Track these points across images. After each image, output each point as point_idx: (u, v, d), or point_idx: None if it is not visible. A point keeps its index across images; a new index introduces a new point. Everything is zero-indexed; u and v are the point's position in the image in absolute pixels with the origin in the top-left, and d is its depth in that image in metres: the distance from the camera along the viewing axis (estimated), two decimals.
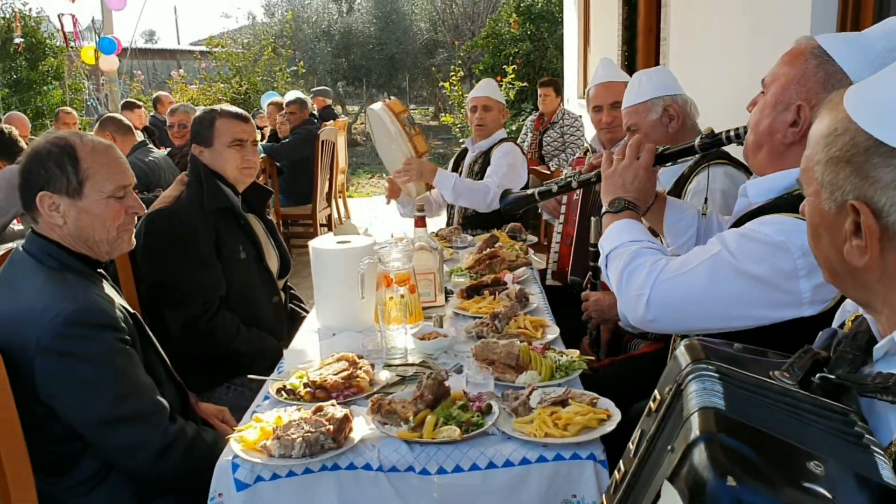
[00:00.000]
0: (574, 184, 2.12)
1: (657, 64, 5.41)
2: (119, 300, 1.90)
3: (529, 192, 2.23)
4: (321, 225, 7.24)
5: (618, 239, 1.76)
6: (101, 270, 1.97)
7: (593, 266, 2.70)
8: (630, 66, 6.49)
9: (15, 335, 1.70)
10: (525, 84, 11.19)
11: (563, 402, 1.71)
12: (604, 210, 1.86)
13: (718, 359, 0.94)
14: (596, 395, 1.76)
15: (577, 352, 2.04)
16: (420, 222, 2.56)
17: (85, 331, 1.72)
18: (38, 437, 1.75)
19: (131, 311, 1.92)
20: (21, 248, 1.88)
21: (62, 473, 1.82)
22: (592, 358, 2.07)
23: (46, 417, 1.74)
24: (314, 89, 10.93)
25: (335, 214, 8.12)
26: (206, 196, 2.63)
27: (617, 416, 1.67)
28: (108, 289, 1.91)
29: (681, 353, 0.98)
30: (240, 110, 2.82)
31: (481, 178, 3.87)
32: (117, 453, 1.79)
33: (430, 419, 1.66)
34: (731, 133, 1.80)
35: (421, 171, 3.69)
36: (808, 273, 1.50)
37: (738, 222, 1.69)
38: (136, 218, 1.98)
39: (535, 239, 3.68)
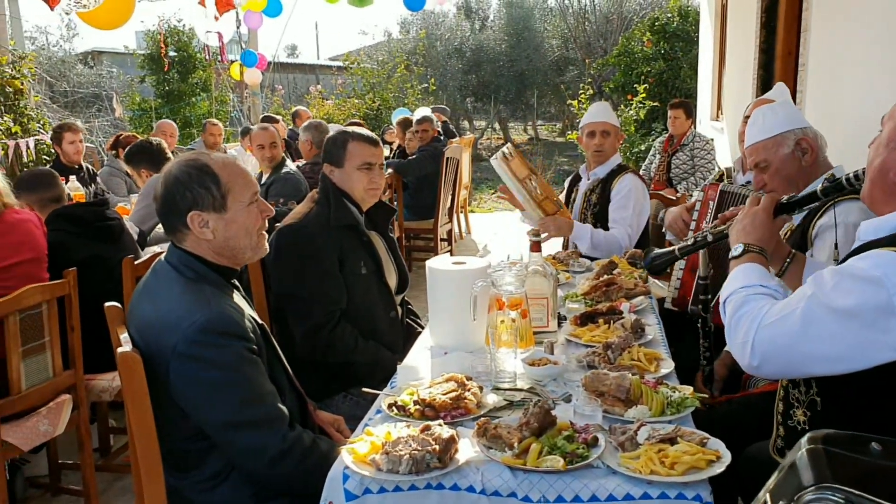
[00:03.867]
0: (710, 237, 2.17)
1: (795, 90, 5.20)
2: (249, 311, 2.03)
3: (672, 251, 2.27)
4: (441, 240, 7.37)
5: (732, 285, 1.76)
6: (235, 281, 2.11)
7: (703, 299, 2.64)
8: (765, 90, 6.26)
9: (154, 340, 1.86)
10: (656, 104, 10.97)
11: (671, 440, 1.68)
12: (729, 256, 1.88)
13: (848, 475, 0.84)
14: (707, 434, 1.72)
15: (691, 388, 2.00)
16: (535, 247, 2.57)
17: (217, 339, 1.84)
18: (169, 435, 1.89)
19: (259, 321, 2.04)
20: (163, 259, 2.03)
21: (189, 469, 1.95)
22: (706, 396, 2.02)
23: (177, 417, 1.88)
24: (433, 106, 11.14)
25: (456, 229, 8.23)
26: (332, 213, 2.77)
27: (727, 458, 1.63)
28: (240, 300, 2.04)
29: (803, 464, 0.90)
30: (371, 134, 2.94)
31: (599, 210, 3.82)
32: (239, 455, 1.90)
33: (535, 447, 1.67)
34: (852, 176, 1.76)
35: (558, 228, 3.68)
36: None
37: (844, 260, 1.63)
38: (267, 221, 2.09)
39: None
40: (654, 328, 2.57)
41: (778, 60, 6.05)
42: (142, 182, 4.79)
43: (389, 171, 7.17)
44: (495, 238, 8.79)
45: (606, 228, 3.83)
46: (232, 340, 1.87)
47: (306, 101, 15.83)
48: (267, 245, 2.11)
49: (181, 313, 1.85)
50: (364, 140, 2.87)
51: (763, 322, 1.58)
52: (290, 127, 9.90)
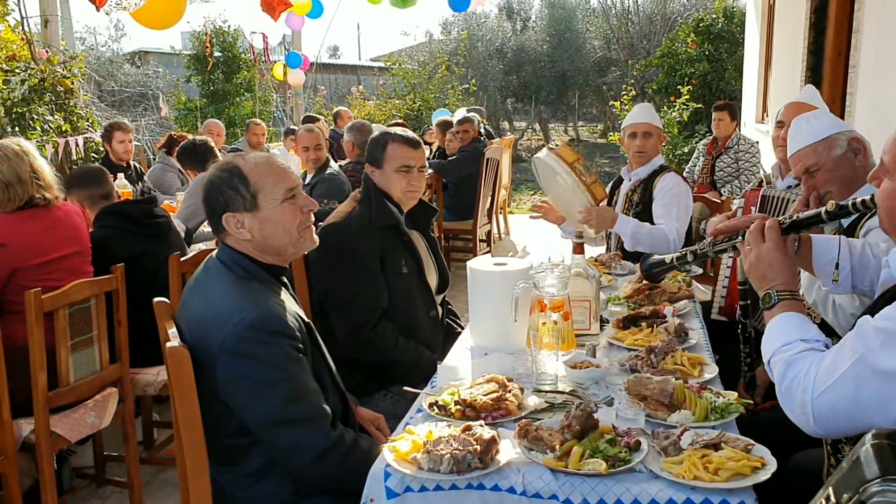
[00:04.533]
0: (711, 253, 2.07)
1: (845, 92, 5.10)
2: (296, 309, 2.05)
3: (668, 259, 2.16)
4: (480, 240, 7.36)
5: (772, 343, 1.70)
6: (284, 278, 2.13)
7: (742, 304, 2.60)
8: None
9: (203, 335, 1.89)
10: (700, 105, 10.83)
11: (715, 446, 1.67)
12: (760, 307, 1.81)
13: None
14: (752, 441, 1.70)
15: (735, 394, 1.97)
16: (578, 248, 2.56)
17: (265, 336, 1.87)
18: (213, 430, 1.92)
19: (306, 320, 2.07)
20: (215, 256, 2.07)
21: (232, 464, 1.98)
22: (751, 402, 1.99)
23: (223, 413, 1.91)
24: (471, 108, 11.15)
25: (495, 230, 8.22)
26: (373, 213, 2.79)
27: (772, 465, 1.61)
28: (288, 298, 2.07)
29: (868, 457, 0.89)
30: (411, 136, 2.93)
31: (641, 210, 3.78)
32: (282, 452, 1.92)
33: (577, 450, 1.66)
34: (858, 203, 1.73)
35: (601, 218, 3.62)
36: None
37: (883, 297, 1.59)
38: (311, 215, 2.11)
39: (699, 270, 3.55)
40: (697, 332, 2.54)
41: (827, 62, 5.93)
42: (191, 180, 4.88)
43: (430, 171, 7.19)
44: (534, 239, 8.75)
45: (654, 223, 3.79)
46: (279, 339, 1.89)
47: (348, 101, 15.95)
48: (315, 237, 2.12)
49: (230, 310, 1.88)
50: (403, 142, 2.87)
51: (815, 391, 1.52)
52: (331, 127, 9.98)
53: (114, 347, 3.12)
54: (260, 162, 2.04)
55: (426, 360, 2.76)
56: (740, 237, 1.93)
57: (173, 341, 1.83)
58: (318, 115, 9.15)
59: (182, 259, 3.31)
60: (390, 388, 2.74)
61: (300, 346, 1.95)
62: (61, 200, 3.16)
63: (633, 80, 15.91)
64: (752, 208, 3.30)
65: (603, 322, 2.63)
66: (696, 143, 9.03)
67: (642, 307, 2.75)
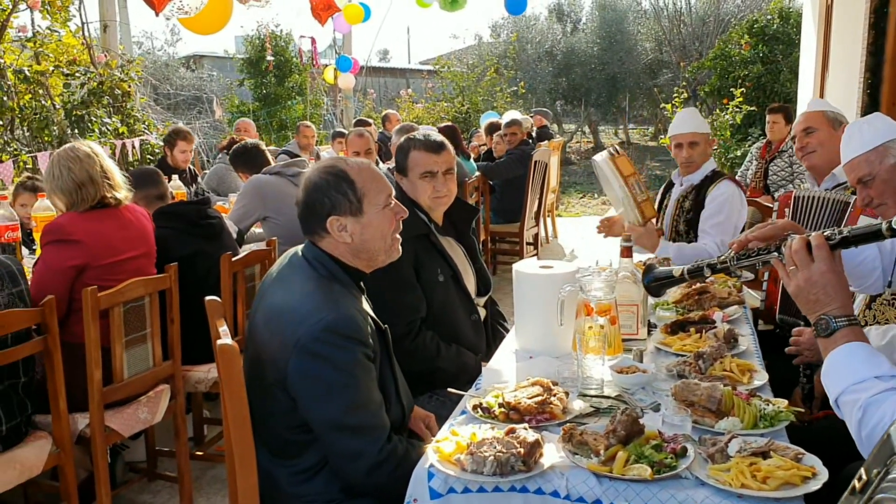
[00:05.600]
0: (732, 266, 1.92)
1: None
2: (372, 315, 2.08)
3: (677, 272, 2.02)
4: (527, 243, 7.34)
5: (839, 382, 1.58)
6: (362, 284, 2.16)
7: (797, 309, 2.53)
8: (873, 95, 5.99)
9: (280, 327, 1.94)
10: (753, 108, 10.64)
11: (764, 454, 1.64)
12: (814, 334, 1.68)
13: None
14: (802, 450, 1.66)
15: (786, 402, 1.93)
16: (626, 252, 2.53)
17: (339, 340, 1.90)
18: (275, 422, 1.98)
19: (382, 327, 2.09)
20: (299, 253, 2.10)
21: (289, 458, 2.02)
22: (802, 410, 1.95)
23: (287, 407, 1.95)
24: (535, 109, 11.12)
25: (542, 233, 8.18)
26: (404, 224, 2.75)
27: (823, 475, 1.57)
28: (365, 304, 2.10)
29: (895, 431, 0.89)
30: (434, 140, 2.83)
31: (692, 217, 3.70)
32: (337, 457, 1.95)
33: (622, 455, 1.65)
34: None
35: (643, 241, 3.54)
36: None
37: None
38: (401, 223, 2.15)
39: (751, 276, 3.49)
40: (747, 339, 2.50)
41: (887, 64, 5.77)
42: (244, 182, 4.96)
43: (477, 174, 7.20)
44: (582, 243, 8.70)
45: (698, 236, 3.73)
46: (353, 344, 1.92)
47: (396, 104, 16.05)
48: (400, 248, 2.15)
49: (311, 308, 1.92)
50: (425, 147, 2.79)
51: None
52: (380, 130, 10.06)
53: (166, 345, 3.20)
54: (364, 167, 2.08)
55: (470, 364, 2.76)
56: (775, 252, 1.80)
57: (224, 338, 1.87)
58: (368, 119, 9.23)
59: (234, 259, 3.38)
60: (435, 390, 2.74)
61: (371, 353, 1.97)
62: (130, 202, 3.24)
63: (684, 83, 15.68)
64: (786, 211, 3.23)
65: (651, 327, 2.60)
66: (749, 146, 8.87)
67: (691, 312, 2.72)
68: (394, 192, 2.13)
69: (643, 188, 3.55)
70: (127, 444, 3.61)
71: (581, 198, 13.17)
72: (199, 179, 6.48)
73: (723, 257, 1.94)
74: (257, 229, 4.83)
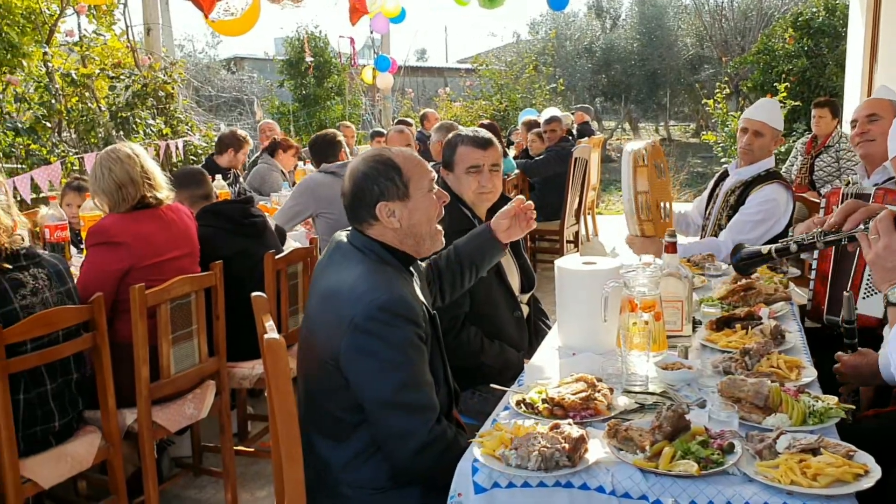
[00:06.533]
0: (819, 244, 1.94)
1: None
2: (423, 299, 2.10)
3: (765, 250, 2.05)
4: (568, 241, 7.30)
5: None
6: (413, 268, 2.19)
7: (849, 343, 2.44)
8: None
9: (335, 307, 1.98)
10: (798, 103, 10.44)
11: (814, 451, 1.61)
12: (885, 302, 1.70)
13: None
14: (853, 447, 1.63)
15: (836, 398, 1.90)
16: (671, 248, 2.50)
17: (393, 319, 1.93)
18: (328, 401, 2.01)
19: (431, 312, 2.11)
20: (345, 241, 2.13)
21: (339, 440, 2.04)
22: (853, 407, 1.91)
23: (340, 386, 1.98)
24: (576, 105, 11.06)
25: (582, 231, 8.13)
26: (446, 219, 2.75)
27: (876, 473, 1.54)
28: (417, 287, 2.13)
29: None
30: (482, 135, 2.86)
31: (734, 213, 3.64)
32: (387, 436, 1.97)
33: (668, 451, 1.63)
34: None
35: (646, 247, 3.43)
36: None
37: None
38: (443, 209, 2.19)
39: (797, 272, 3.42)
40: (795, 335, 2.45)
41: None
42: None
43: (516, 171, 7.17)
44: (623, 240, 8.61)
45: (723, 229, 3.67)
46: (406, 323, 1.94)
47: (434, 103, 16.07)
48: (443, 239, 2.20)
49: (365, 288, 1.95)
50: (472, 142, 2.82)
51: None
52: (418, 129, 10.09)
53: (212, 341, 3.25)
54: (407, 154, 2.15)
55: (513, 361, 2.76)
56: (863, 227, 1.82)
57: (270, 333, 1.89)
58: (408, 119, 9.27)
59: (277, 257, 3.42)
60: (478, 387, 2.74)
61: (423, 334, 2.00)
62: (171, 201, 3.30)
63: (726, 78, 15.48)
64: (835, 209, 3.15)
65: (695, 324, 2.57)
66: (794, 141, 8.71)
67: (736, 309, 2.68)
68: (436, 178, 2.17)
69: (652, 210, 3.47)
70: (173, 440, 3.67)
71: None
72: (241, 179, 6.56)
73: (810, 234, 1.97)
74: (301, 229, 4.89)
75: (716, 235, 3.78)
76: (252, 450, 3.73)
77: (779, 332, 2.36)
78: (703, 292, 3.00)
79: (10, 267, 2.57)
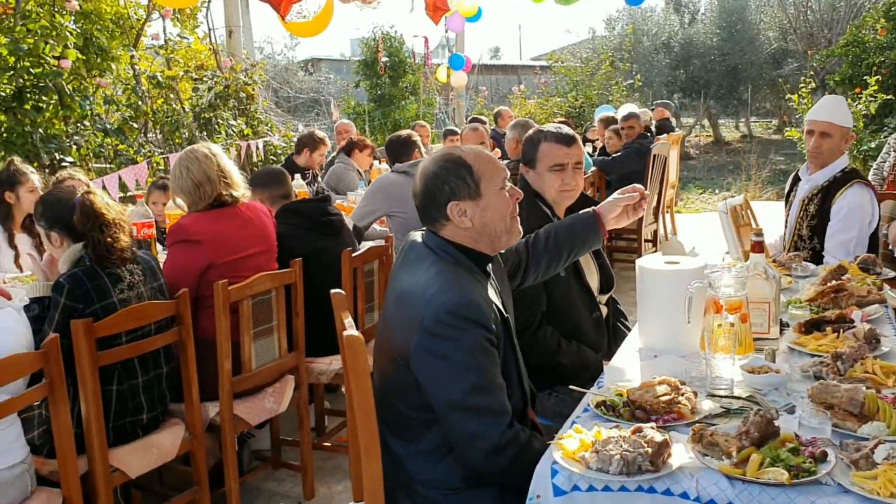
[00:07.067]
0: None
1: None
2: (496, 301, 2.08)
3: None
4: (646, 240, 7.15)
5: None
6: (489, 267, 2.17)
7: None
8: None
9: (408, 307, 1.99)
10: (890, 97, 9.99)
11: None
12: None
13: None
14: None
15: None
16: (757, 248, 2.41)
17: (462, 322, 1.91)
18: (399, 400, 2.01)
19: (504, 314, 2.09)
20: (420, 241, 2.13)
21: (411, 439, 2.04)
22: None
23: (411, 385, 1.98)
24: (657, 101, 10.85)
25: (661, 230, 7.97)
26: (525, 216, 2.72)
27: None
28: (490, 289, 2.10)
29: None
30: (566, 132, 2.81)
31: (817, 224, 3.49)
32: (457, 438, 1.96)
33: (756, 457, 1.58)
34: None
35: None
36: None
37: None
38: (517, 205, 2.16)
39: (891, 273, 3.26)
40: (891, 340, 2.33)
41: None
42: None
43: (593, 168, 7.08)
44: (703, 240, 8.41)
45: (822, 243, 3.52)
46: (475, 327, 1.93)
47: (509, 101, 16.01)
48: (520, 228, 2.16)
49: (436, 290, 1.95)
50: (556, 139, 2.78)
51: None
52: (493, 127, 10.06)
53: (291, 337, 3.30)
54: (478, 153, 2.12)
55: (591, 362, 2.71)
56: None
57: (349, 330, 1.90)
58: (482, 117, 9.26)
59: (354, 255, 3.45)
60: (555, 387, 2.71)
61: (493, 338, 1.97)
62: (248, 199, 3.37)
63: (812, 72, 14.93)
64: None
65: (783, 326, 2.47)
66: (885, 137, 8.33)
67: (826, 311, 2.57)
68: (508, 176, 2.14)
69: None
70: (253, 433, 3.74)
71: (701, 193, 12.74)
72: (320, 179, 6.67)
73: None
74: (379, 227, 4.93)
75: (795, 246, 3.64)
76: (329, 444, 3.78)
77: (873, 335, 2.25)
78: (790, 293, 2.90)
79: (108, 263, 2.70)
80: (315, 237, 3.67)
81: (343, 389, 4.14)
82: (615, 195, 2.42)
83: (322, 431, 3.97)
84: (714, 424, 1.79)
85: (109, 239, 2.69)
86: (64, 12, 6.49)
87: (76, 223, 2.69)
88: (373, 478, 1.86)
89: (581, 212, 2.51)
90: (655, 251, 7.30)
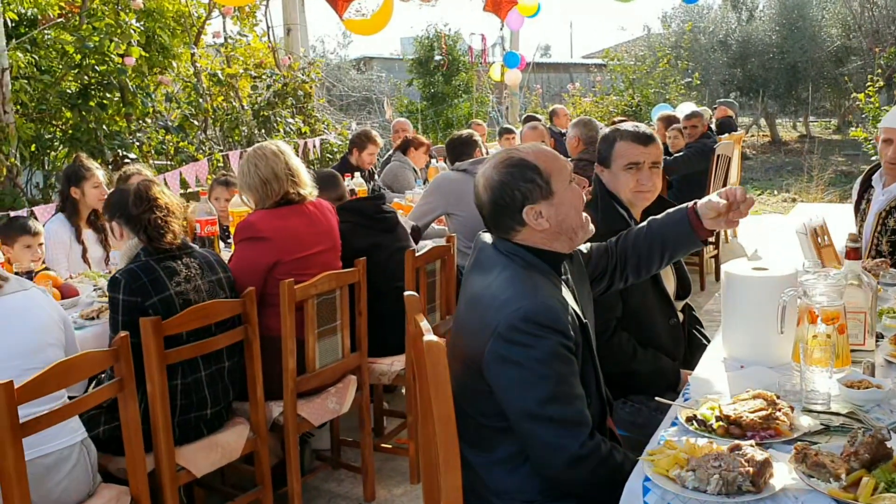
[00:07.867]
0: None
1: None
2: (573, 305, 2.00)
3: None
4: (709, 242, 6.97)
5: None
6: (565, 266, 2.09)
7: None
8: None
9: (481, 313, 1.92)
10: None
11: None
12: None
13: None
14: None
15: None
16: (853, 254, 2.28)
17: (536, 329, 1.83)
18: (471, 406, 1.94)
19: (583, 319, 2.00)
20: (490, 245, 2.05)
21: (483, 449, 1.97)
22: None
23: (484, 392, 1.91)
24: (720, 100, 10.61)
25: (722, 232, 7.76)
26: (600, 218, 2.62)
27: None
28: (566, 293, 2.02)
29: None
30: (643, 130, 2.72)
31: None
32: (534, 448, 1.89)
33: (868, 481, 1.46)
34: None
35: None
36: None
37: None
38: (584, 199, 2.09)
39: None
40: None
41: None
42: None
43: None
44: (765, 242, 8.17)
45: None
46: (550, 334, 1.85)
47: (563, 98, 15.84)
48: (592, 227, 2.08)
49: (510, 295, 1.88)
50: (632, 138, 2.68)
51: None
52: (548, 126, 9.94)
53: (354, 337, 3.26)
54: (539, 150, 2.05)
55: (668, 370, 2.61)
56: None
57: (428, 335, 1.84)
58: (537, 115, 9.15)
59: (416, 255, 3.40)
60: (629, 396, 2.61)
61: (571, 345, 1.89)
62: (315, 198, 3.34)
63: (878, 70, 14.46)
64: None
65: (878, 337, 2.34)
66: None
67: None
68: (572, 168, 2.07)
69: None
70: (313, 433, 3.72)
71: (759, 194, 12.42)
72: (376, 177, 6.66)
73: None
74: (438, 226, 4.88)
75: (873, 260, 3.45)
76: (390, 446, 3.73)
77: None
78: (879, 303, 2.74)
79: (163, 257, 2.72)
80: (372, 233, 3.66)
81: (402, 390, 4.10)
82: (712, 196, 2.27)
83: (381, 433, 3.93)
84: (816, 443, 1.68)
85: (160, 221, 2.70)
86: (128, 10, 6.57)
87: (131, 207, 2.72)
88: (452, 490, 1.79)
89: (676, 209, 2.33)
90: (716, 253, 7.12)
